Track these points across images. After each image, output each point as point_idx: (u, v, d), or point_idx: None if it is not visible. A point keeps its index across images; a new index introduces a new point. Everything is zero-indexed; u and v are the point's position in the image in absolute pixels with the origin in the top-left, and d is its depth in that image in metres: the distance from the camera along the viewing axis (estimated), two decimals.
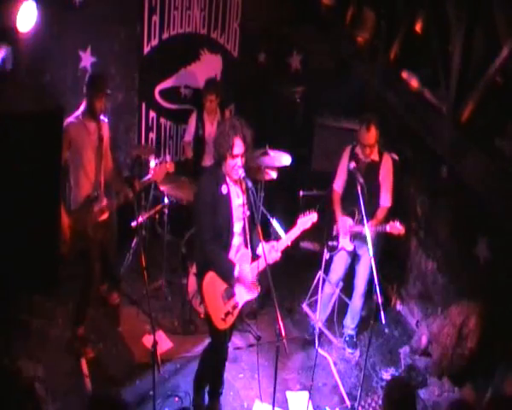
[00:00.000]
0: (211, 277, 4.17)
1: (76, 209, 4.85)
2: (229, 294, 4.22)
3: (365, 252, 5.12)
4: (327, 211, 5.41)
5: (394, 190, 5.27)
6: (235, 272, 4.14)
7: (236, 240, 4.25)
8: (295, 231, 4.29)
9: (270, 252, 4.15)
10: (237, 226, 4.23)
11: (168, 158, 4.96)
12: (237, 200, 4.20)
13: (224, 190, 4.12)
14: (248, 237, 4.24)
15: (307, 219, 4.30)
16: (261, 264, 4.15)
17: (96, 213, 4.88)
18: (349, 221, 5.24)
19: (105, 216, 4.98)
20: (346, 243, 5.27)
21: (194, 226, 4.23)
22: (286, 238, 4.27)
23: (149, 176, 4.88)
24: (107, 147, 5.00)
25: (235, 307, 4.25)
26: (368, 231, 4.72)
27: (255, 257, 4.26)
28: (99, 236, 4.96)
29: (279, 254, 4.18)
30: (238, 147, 4.04)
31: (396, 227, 4.97)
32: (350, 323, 5.59)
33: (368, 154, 5.17)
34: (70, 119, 4.80)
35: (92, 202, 4.86)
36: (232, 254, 4.24)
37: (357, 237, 5.22)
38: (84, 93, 4.84)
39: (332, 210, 5.37)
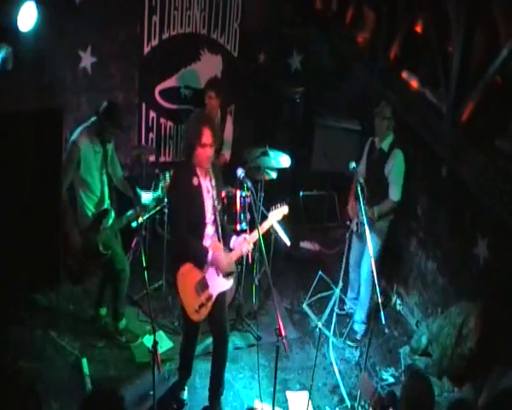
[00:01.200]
0: (185, 269, 4.26)
1: (84, 229, 4.84)
2: (203, 285, 4.31)
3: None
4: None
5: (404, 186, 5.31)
6: (209, 257, 4.24)
7: (209, 230, 4.37)
8: (267, 223, 4.47)
9: (243, 244, 4.33)
10: (209, 217, 4.34)
11: None
12: (207, 194, 4.32)
13: (195, 181, 4.24)
14: (220, 229, 4.38)
15: (278, 212, 4.51)
16: (234, 255, 4.37)
17: (105, 230, 4.89)
18: (354, 206, 5.39)
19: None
20: (353, 224, 5.43)
21: (169, 219, 4.30)
22: (257, 231, 4.31)
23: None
24: (114, 158, 5.01)
25: (208, 298, 4.34)
26: (367, 231, 4.72)
27: (228, 249, 4.41)
28: (112, 246, 4.97)
29: (251, 246, 4.34)
30: (207, 136, 4.13)
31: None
32: (357, 317, 5.66)
33: (383, 133, 5.23)
34: (78, 139, 4.72)
35: (101, 219, 4.88)
36: (206, 243, 4.34)
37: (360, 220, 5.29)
38: (98, 119, 4.71)
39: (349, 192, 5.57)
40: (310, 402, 4.73)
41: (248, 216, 5.35)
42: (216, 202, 4.33)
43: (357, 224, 5.37)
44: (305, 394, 4.89)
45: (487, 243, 4.78)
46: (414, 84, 5.01)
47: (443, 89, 4.46)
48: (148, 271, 4.05)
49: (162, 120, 6.83)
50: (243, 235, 4.42)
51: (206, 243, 4.34)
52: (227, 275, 4.40)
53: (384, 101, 5.28)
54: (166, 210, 5.60)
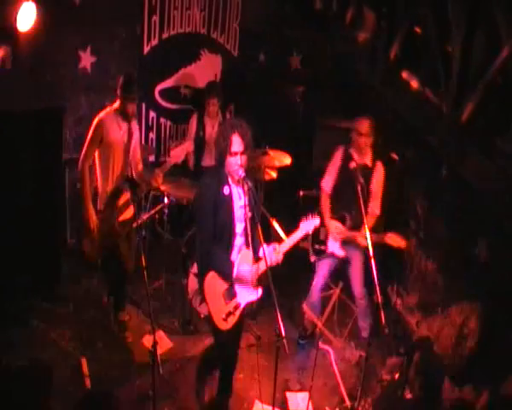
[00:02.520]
0: (212, 276, 4.16)
1: (102, 209, 4.91)
2: (231, 294, 4.20)
3: (355, 256, 5.17)
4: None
5: (384, 198, 5.15)
6: (234, 273, 4.14)
7: (238, 241, 4.24)
8: (298, 235, 4.32)
9: (272, 254, 4.16)
10: (239, 227, 4.21)
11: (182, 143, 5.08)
12: (239, 201, 4.18)
13: (225, 191, 4.10)
14: (250, 238, 4.21)
15: (310, 223, 4.35)
16: (262, 266, 4.11)
17: (121, 207, 4.96)
18: (339, 227, 5.16)
19: (130, 213, 5.05)
20: (336, 249, 5.19)
21: (195, 226, 4.24)
22: (288, 241, 4.28)
23: (169, 160, 4.94)
24: (136, 147, 5.06)
25: (236, 307, 4.23)
26: (368, 232, 4.69)
27: (257, 258, 4.23)
28: (126, 230, 5.04)
29: (281, 257, 4.18)
30: (236, 144, 4.02)
31: (395, 239, 4.94)
32: (363, 324, 5.50)
33: (362, 149, 5.06)
34: (104, 115, 4.83)
35: (117, 197, 4.92)
36: (234, 255, 4.23)
37: (347, 243, 5.16)
38: (117, 94, 4.80)
39: (320, 211, 5.19)
40: (310, 402, 4.73)
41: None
42: (248, 210, 4.14)
43: (342, 245, 5.14)
44: (305, 394, 4.89)
45: (487, 243, 4.77)
46: (414, 84, 5.01)
47: (443, 89, 4.47)
48: (148, 271, 4.05)
49: (162, 120, 6.83)
50: (273, 245, 4.25)
51: (235, 254, 4.23)
52: (256, 285, 4.26)
53: (362, 115, 5.08)
54: (166, 210, 5.61)
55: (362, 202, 4.69)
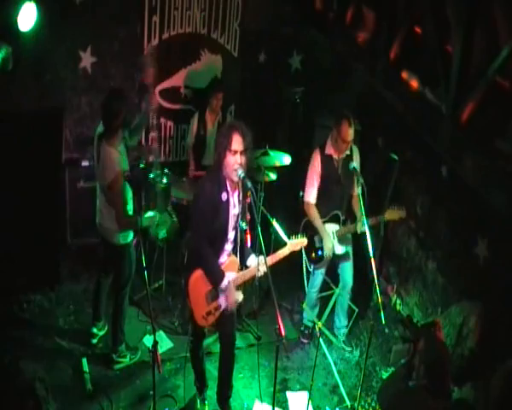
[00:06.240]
0: (199, 275, 4.23)
1: None
2: (214, 296, 4.29)
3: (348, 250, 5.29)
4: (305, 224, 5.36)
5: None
6: (224, 284, 4.22)
7: (228, 246, 4.34)
8: (284, 251, 4.43)
9: (258, 265, 4.23)
10: (231, 234, 4.30)
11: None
12: (233, 209, 4.26)
13: (223, 197, 4.16)
14: (239, 246, 4.34)
15: (297, 243, 4.48)
16: (248, 274, 4.32)
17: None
18: (335, 227, 5.24)
19: None
20: (336, 248, 5.25)
21: (190, 224, 4.27)
22: (273, 256, 4.38)
23: None
24: None
25: (217, 308, 4.32)
26: (367, 229, 4.70)
27: (243, 266, 4.39)
28: None
29: (265, 269, 4.14)
30: (237, 143, 4.05)
31: (394, 213, 5.08)
32: (343, 321, 5.59)
33: (345, 148, 5.11)
34: None
35: None
36: (223, 258, 4.32)
37: (341, 238, 5.25)
38: None
39: (312, 223, 5.23)
40: (310, 402, 4.73)
41: (248, 216, 5.34)
42: (239, 218, 4.27)
43: (339, 243, 5.26)
44: (305, 394, 4.89)
45: (487, 243, 4.78)
46: (414, 84, 5.01)
47: (443, 89, 4.47)
48: (148, 271, 4.05)
49: (162, 120, 6.83)
50: (260, 257, 4.24)
51: (223, 257, 4.32)
52: (237, 289, 4.37)
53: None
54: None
55: (363, 201, 4.71)
